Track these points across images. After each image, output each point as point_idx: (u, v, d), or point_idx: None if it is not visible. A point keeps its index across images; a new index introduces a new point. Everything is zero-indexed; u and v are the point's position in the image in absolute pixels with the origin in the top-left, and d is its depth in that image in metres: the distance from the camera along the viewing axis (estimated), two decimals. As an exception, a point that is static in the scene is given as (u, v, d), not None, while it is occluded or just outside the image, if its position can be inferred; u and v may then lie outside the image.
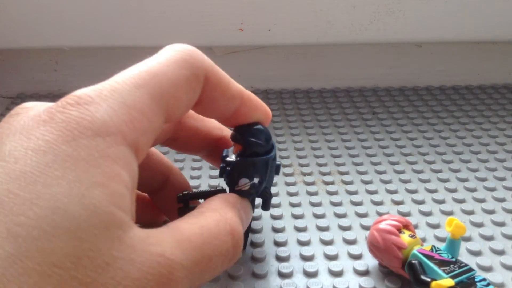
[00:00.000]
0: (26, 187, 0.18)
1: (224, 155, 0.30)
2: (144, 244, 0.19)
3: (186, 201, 0.29)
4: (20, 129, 0.20)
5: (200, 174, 0.40)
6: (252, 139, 0.28)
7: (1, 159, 0.19)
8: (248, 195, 0.29)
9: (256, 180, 0.28)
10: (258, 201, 0.32)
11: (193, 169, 0.41)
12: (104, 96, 0.21)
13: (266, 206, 0.32)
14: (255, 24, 0.51)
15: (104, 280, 0.18)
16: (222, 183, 0.34)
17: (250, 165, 0.28)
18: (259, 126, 0.29)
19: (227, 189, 0.29)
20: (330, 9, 0.51)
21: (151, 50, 0.58)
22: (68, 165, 0.19)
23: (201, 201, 0.29)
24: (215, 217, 0.23)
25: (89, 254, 0.18)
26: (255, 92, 0.55)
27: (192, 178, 0.40)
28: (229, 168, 0.29)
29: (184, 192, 0.29)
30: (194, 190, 0.30)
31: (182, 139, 0.30)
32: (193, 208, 0.29)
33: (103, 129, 0.20)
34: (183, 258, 0.20)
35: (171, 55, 0.24)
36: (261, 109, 0.29)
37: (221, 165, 0.30)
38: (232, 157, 0.29)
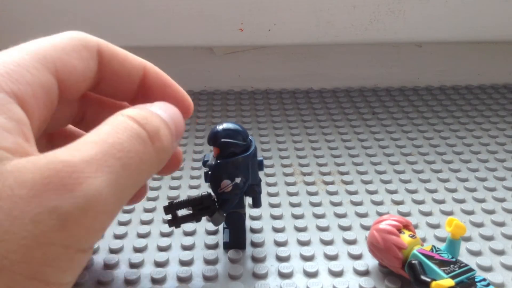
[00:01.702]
0: None
1: (205, 160, 0.30)
2: (33, 163, 0.18)
3: (173, 211, 0.29)
4: None
5: (199, 183, 0.40)
6: (226, 140, 0.29)
7: None
8: (233, 196, 0.29)
9: (238, 180, 0.29)
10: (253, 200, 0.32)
11: (192, 178, 0.41)
12: None
13: (256, 203, 0.32)
14: (255, 24, 0.52)
15: None
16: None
17: (229, 166, 0.29)
18: (235, 126, 0.29)
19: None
20: (330, 9, 0.51)
21: (151, 50, 0.58)
22: None
23: (187, 209, 0.30)
24: (109, 119, 0.21)
25: None
26: (255, 92, 0.55)
27: (192, 187, 0.40)
28: (210, 172, 0.29)
29: (170, 202, 0.29)
30: (179, 199, 0.30)
31: (105, 81, 0.26)
32: (182, 218, 0.29)
33: None
34: (84, 154, 0.18)
35: (60, 33, 0.24)
36: (173, 88, 0.27)
37: (204, 170, 0.30)
38: (213, 161, 0.29)
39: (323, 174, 0.41)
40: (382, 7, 0.51)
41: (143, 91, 0.26)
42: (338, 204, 0.37)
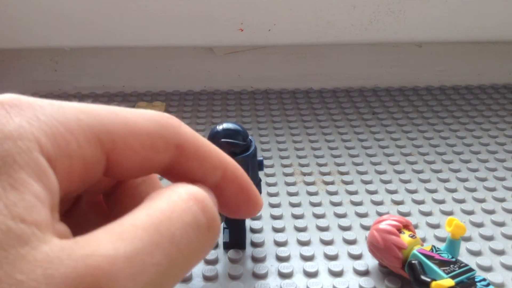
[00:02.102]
0: None
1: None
2: (66, 253, 0.15)
3: None
4: None
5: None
6: (226, 140, 0.29)
7: None
8: None
9: None
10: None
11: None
12: (35, 105, 0.18)
13: None
14: (255, 24, 0.51)
15: None
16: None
17: None
18: (235, 126, 0.29)
19: None
20: (330, 9, 0.51)
21: (152, 50, 0.58)
22: None
23: None
24: (167, 193, 0.18)
25: None
26: (255, 92, 0.55)
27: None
28: None
29: None
30: None
31: (175, 175, 0.21)
32: None
33: (16, 133, 0.16)
34: (128, 248, 0.16)
35: (148, 111, 0.20)
36: (248, 193, 0.24)
37: None
38: None
39: (323, 174, 0.41)
40: (382, 7, 0.51)
41: (215, 190, 0.23)
42: (338, 204, 0.37)
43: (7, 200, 0.15)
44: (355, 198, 0.37)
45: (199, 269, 0.31)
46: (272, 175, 0.40)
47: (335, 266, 0.31)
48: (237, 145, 0.29)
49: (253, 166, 0.30)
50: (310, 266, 0.31)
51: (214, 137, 0.29)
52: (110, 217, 0.21)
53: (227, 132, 0.29)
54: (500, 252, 0.32)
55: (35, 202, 0.16)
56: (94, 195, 0.22)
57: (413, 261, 0.27)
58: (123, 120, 0.18)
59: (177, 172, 0.20)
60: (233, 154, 0.29)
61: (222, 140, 0.29)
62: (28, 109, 0.17)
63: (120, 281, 0.15)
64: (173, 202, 0.17)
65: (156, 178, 0.22)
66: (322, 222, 0.35)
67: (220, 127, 0.29)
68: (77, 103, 0.18)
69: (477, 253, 0.32)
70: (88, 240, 0.15)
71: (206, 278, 0.30)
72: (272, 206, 0.37)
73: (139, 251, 0.16)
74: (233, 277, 0.30)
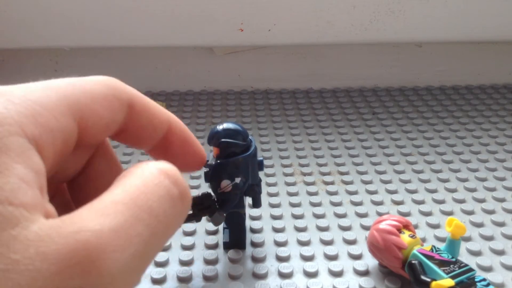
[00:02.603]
0: None
1: (206, 160, 0.30)
2: (56, 231, 0.16)
3: None
4: None
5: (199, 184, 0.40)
6: (226, 140, 0.29)
7: None
8: (233, 196, 0.29)
9: (238, 180, 0.29)
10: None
11: (192, 178, 0.41)
12: (5, 90, 0.19)
13: (256, 203, 0.32)
14: (255, 24, 0.51)
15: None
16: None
17: (229, 166, 0.29)
18: (236, 126, 0.29)
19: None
20: (330, 9, 0.51)
21: (152, 50, 0.58)
22: None
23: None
24: (139, 170, 0.19)
25: None
26: (255, 92, 0.55)
27: (192, 187, 0.40)
28: (210, 172, 0.29)
29: None
30: None
31: (129, 132, 0.25)
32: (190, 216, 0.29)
33: None
34: (112, 222, 0.17)
35: (93, 76, 0.22)
36: (192, 144, 0.26)
37: (204, 170, 0.30)
38: (213, 161, 0.29)
39: (323, 174, 0.41)
40: (382, 7, 0.51)
41: (162, 144, 0.25)
42: (338, 204, 0.37)
43: None
44: (355, 198, 0.37)
45: (199, 269, 0.31)
46: (272, 175, 0.40)
47: (335, 266, 0.31)
48: (237, 145, 0.29)
49: (253, 166, 0.30)
50: (310, 266, 0.31)
51: (214, 137, 0.29)
52: (76, 203, 0.23)
53: (227, 132, 0.29)
54: (500, 252, 0.32)
55: (21, 184, 0.17)
56: (59, 183, 0.24)
57: (413, 261, 0.27)
58: (82, 89, 0.20)
59: (130, 130, 0.23)
60: (233, 154, 0.29)
61: (222, 140, 0.29)
62: (2, 94, 0.18)
63: (108, 252, 0.16)
64: (146, 178, 0.19)
65: (117, 161, 0.25)
66: (322, 222, 0.35)
67: (220, 127, 0.29)
68: (38, 82, 0.20)
69: (477, 253, 0.32)
70: (74, 218, 0.16)
71: (206, 278, 0.30)
72: (272, 206, 0.37)
73: (122, 224, 0.17)
74: (233, 277, 0.30)
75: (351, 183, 0.39)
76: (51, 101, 0.19)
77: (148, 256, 0.18)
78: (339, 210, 0.36)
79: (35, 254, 0.15)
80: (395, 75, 0.57)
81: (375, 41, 0.54)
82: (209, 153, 0.31)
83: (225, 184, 0.29)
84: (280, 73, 0.57)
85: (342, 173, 0.41)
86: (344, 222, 0.35)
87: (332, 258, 0.32)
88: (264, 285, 0.29)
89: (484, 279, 0.27)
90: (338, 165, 0.42)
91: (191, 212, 0.30)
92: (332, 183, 0.39)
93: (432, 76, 0.57)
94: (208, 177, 0.30)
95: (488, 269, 0.31)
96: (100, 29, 0.51)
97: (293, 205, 0.37)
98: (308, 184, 0.39)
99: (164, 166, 0.20)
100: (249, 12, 0.51)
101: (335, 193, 0.38)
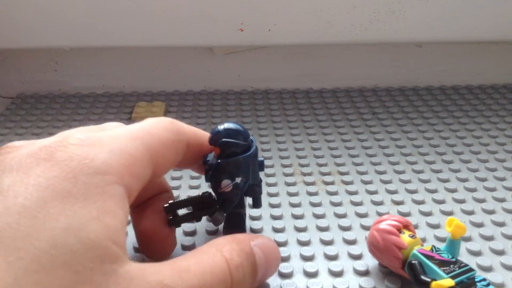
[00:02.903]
0: (26, 222, 0.18)
1: (207, 159, 0.30)
2: (142, 275, 0.20)
3: (173, 210, 0.29)
4: (16, 167, 0.20)
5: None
6: (227, 140, 0.29)
7: (0, 193, 0.19)
8: (234, 196, 0.29)
9: (238, 180, 0.29)
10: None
11: (192, 177, 0.41)
12: (105, 141, 0.22)
13: (256, 203, 0.32)
14: (255, 24, 0.51)
15: None
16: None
17: (229, 165, 0.29)
18: (236, 126, 0.29)
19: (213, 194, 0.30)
20: (330, 9, 0.51)
21: (151, 50, 0.58)
22: (67, 201, 0.19)
23: (187, 209, 0.30)
24: (211, 251, 0.24)
25: (85, 287, 0.18)
26: (255, 92, 0.55)
27: (192, 187, 0.40)
28: (211, 172, 0.29)
29: (170, 202, 0.29)
30: (180, 199, 0.30)
31: (183, 162, 0.30)
32: (183, 218, 0.29)
33: (103, 168, 0.21)
34: (183, 285, 0.21)
35: (157, 120, 0.26)
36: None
37: (206, 169, 0.30)
38: (213, 161, 0.29)
39: (323, 174, 0.41)
40: (382, 7, 0.51)
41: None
42: (338, 204, 0.37)
43: (106, 224, 0.20)
44: (355, 198, 0.37)
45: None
46: (272, 175, 0.40)
47: (335, 266, 0.31)
48: (238, 144, 0.29)
49: (254, 166, 0.30)
50: (310, 266, 0.31)
51: (215, 137, 0.29)
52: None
53: (228, 132, 0.29)
54: (500, 252, 0.32)
55: (121, 227, 0.21)
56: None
57: (413, 261, 0.27)
58: (157, 138, 0.25)
59: (184, 161, 0.28)
60: (234, 154, 0.29)
61: (223, 140, 0.29)
62: (103, 145, 0.22)
63: None
64: (213, 260, 0.23)
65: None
66: (322, 222, 0.35)
67: (221, 127, 0.29)
68: (121, 128, 0.24)
69: (477, 253, 0.32)
70: (156, 268, 0.21)
71: (206, 278, 0.30)
72: (272, 206, 0.37)
73: None
74: (233, 277, 0.30)
75: (351, 183, 0.39)
76: (139, 152, 0.23)
77: None
78: (339, 210, 0.36)
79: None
80: (395, 75, 0.57)
81: (375, 41, 0.54)
82: (210, 152, 0.31)
83: (226, 184, 0.29)
84: (280, 73, 0.57)
85: (342, 173, 0.41)
86: (344, 222, 0.35)
87: (332, 258, 0.32)
88: (264, 285, 0.29)
89: (484, 279, 0.27)
90: (338, 165, 0.42)
91: (191, 211, 0.30)
92: (332, 183, 0.39)
93: (432, 76, 0.57)
94: (208, 177, 0.30)
95: (488, 269, 0.31)
96: (100, 29, 0.51)
97: (293, 205, 0.37)
98: (308, 184, 0.39)
99: (228, 254, 0.24)
100: (249, 12, 0.51)
101: (335, 193, 0.38)
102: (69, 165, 0.20)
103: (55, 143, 0.21)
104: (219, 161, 0.29)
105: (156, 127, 0.26)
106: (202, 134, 0.30)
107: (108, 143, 0.22)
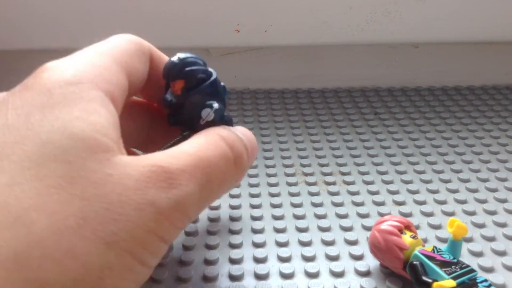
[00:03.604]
0: (10, 133, 0.19)
1: (168, 99, 0.27)
2: (136, 161, 0.20)
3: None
4: (1, 100, 0.22)
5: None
6: (192, 68, 0.26)
7: None
8: (219, 121, 0.27)
9: (216, 105, 0.26)
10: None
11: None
12: (72, 59, 0.23)
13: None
14: (251, 25, 0.52)
15: (104, 193, 0.19)
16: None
17: (204, 93, 0.26)
18: (190, 53, 0.27)
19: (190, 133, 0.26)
20: (327, 10, 0.51)
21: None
22: (46, 110, 0.20)
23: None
24: (203, 134, 0.24)
25: (81, 174, 0.19)
26: (256, 92, 0.55)
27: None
28: (183, 108, 0.26)
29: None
30: (163, 147, 0.26)
31: (151, 81, 0.28)
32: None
33: (75, 79, 0.22)
34: (179, 163, 0.21)
35: (118, 36, 0.27)
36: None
37: (168, 112, 0.27)
38: (174, 98, 0.27)
39: (325, 174, 0.41)
40: (379, 8, 0.51)
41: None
42: (340, 204, 0.37)
43: (91, 121, 0.20)
44: (357, 198, 0.37)
45: (199, 269, 0.30)
46: (274, 175, 0.40)
47: (337, 266, 0.31)
48: (205, 70, 0.27)
49: (221, 90, 0.28)
50: (311, 267, 0.30)
51: (174, 69, 0.26)
52: None
53: (187, 61, 0.27)
54: (502, 253, 0.32)
55: (108, 125, 0.21)
56: (132, 144, 0.30)
57: (414, 262, 0.27)
58: (123, 50, 0.25)
59: (152, 79, 0.27)
60: (202, 81, 0.27)
61: (188, 69, 0.26)
62: (70, 62, 0.23)
63: (178, 179, 0.21)
64: (209, 139, 0.24)
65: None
66: (323, 223, 0.34)
67: (175, 58, 0.27)
68: (86, 49, 0.24)
69: (478, 254, 0.32)
70: (150, 157, 0.21)
71: (206, 279, 0.30)
72: (274, 206, 0.37)
73: (186, 167, 0.21)
74: (234, 278, 0.30)
75: (352, 183, 0.39)
76: (109, 64, 0.24)
77: (203, 200, 0.22)
78: (341, 210, 0.36)
79: (122, 173, 0.19)
80: (396, 75, 0.57)
81: (372, 41, 0.54)
82: (165, 95, 0.28)
83: (206, 113, 0.26)
84: (277, 74, 0.57)
85: (343, 174, 0.41)
86: (346, 222, 0.35)
87: (334, 258, 0.32)
88: (265, 285, 0.29)
89: (485, 280, 0.27)
90: (340, 165, 0.42)
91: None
92: (333, 183, 0.39)
93: (434, 76, 0.57)
94: (176, 117, 0.27)
95: (489, 270, 0.31)
96: (95, 30, 0.51)
97: (294, 205, 0.37)
98: (309, 184, 0.39)
99: (224, 133, 0.24)
100: (245, 13, 0.51)
101: (336, 194, 0.38)
102: (40, 83, 0.21)
103: (34, 72, 0.23)
104: (191, 92, 0.26)
105: (119, 40, 0.26)
106: (162, 54, 0.29)
107: (74, 60, 0.23)
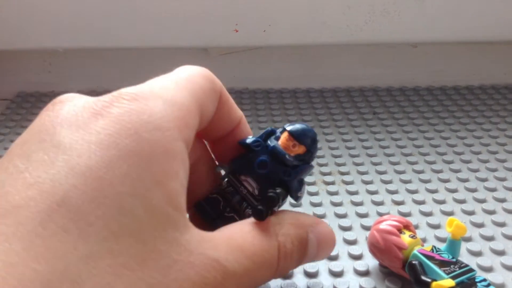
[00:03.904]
0: (92, 184, 0.18)
1: (270, 146, 0.26)
2: (201, 248, 0.20)
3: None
4: (74, 121, 0.20)
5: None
6: (315, 146, 0.27)
7: (62, 152, 0.19)
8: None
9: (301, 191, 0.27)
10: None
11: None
12: (157, 93, 0.21)
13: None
14: (250, 25, 0.51)
15: (167, 282, 0.18)
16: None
17: (305, 172, 0.27)
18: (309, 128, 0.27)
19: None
20: (325, 9, 0.51)
21: (146, 51, 0.58)
22: (131, 162, 0.19)
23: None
24: (269, 230, 0.24)
25: (152, 256, 0.18)
26: (255, 91, 0.55)
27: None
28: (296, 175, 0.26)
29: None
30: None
31: (212, 122, 0.27)
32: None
33: (163, 124, 0.20)
34: (236, 266, 0.21)
35: (194, 69, 0.25)
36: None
37: (235, 155, 0.27)
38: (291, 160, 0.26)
39: (324, 174, 0.41)
40: (377, 8, 0.51)
41: (227, 139, 0.28)
42: (339, 204, 0.37)
43: (169, 189, 0.19)
44: (356, 198, 0.37)
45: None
46: (272, 175, 0.40)
47: (336, 266, 0.30)
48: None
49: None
50: (310, 267, 0.30)
51: (308, 135, 0.26)
52: None
53: (315, 135, 0.27)
54: (501, 253, 0.32)
55: (183, 191, 0.20)
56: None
57: (413, 262, 0.27)
58: (199, 87, 0.24)
59: (213, 120, 0.26)
60: (309, 160, 0.27)
61: (315, 145, 0.26)
62: (157, 97, 0.21)
63: (226, 284, 0.20)
64: (268, 243, 0.23)
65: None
66: (322, 222, 0.34)
67: (306, 126, 0.27)
68: (165, 78, 0.23)
69: (477, 254, 0.32)
70: (215, 244, 0.21)
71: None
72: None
73: (241, 272, 0.21)
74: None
75: (351, 183, 0.39)
76: (190, 103, 0.22)
77: None
78: (340, 210, 0.36)
79: (187, 262, 0.19)
80: (395, 75, 0.57)
81: (371, 41, 0.54)
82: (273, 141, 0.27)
83: (302, 189, 0.27)
84: (276, 74, 0.57)
85: (342, 173, 0.41)
86: (345, 222, 0.35)
87: (333, 258, 0.32)
88: (264, 285, 0.29)
89: (484, 280, 0.27)
90: (339, 165, 0.42)
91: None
92: (332, 183, 0.39)
93: (433, 76, 0.57)
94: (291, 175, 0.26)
95: (488, 269, 0.31)
96: (93, 30, 0.51)
97: (293, 205, 0.37)
98: (308, 184, 0.39)
99: (284, 242, 0.24)
100: (244, 13, 0.51)
101: (335, 193, 0.38)
102: (128, 120, 0.20)
103: (110, 98, 0.21)
104: (307, 166, 0.26)
105: (196, 75, 0.24)
106: (229, 95, 0.27)
107: (159, 95, 0.21)
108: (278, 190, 0.25)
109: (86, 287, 0.17)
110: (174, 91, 0.22)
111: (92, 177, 0.18)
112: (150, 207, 0.19)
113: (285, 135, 0.26)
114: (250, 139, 0.27)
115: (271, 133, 0.27)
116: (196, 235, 0.20)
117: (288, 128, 0.26)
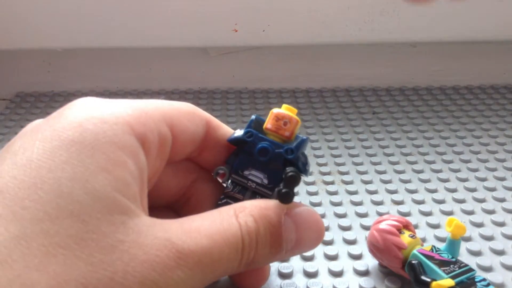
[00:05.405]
0: (31, 173, 0.18)
1: (254, 133, 0.26)
2: (151, 230, 0.20)
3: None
4: (30, 129, 0.21)
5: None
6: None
7: (12, 153, 0.20)
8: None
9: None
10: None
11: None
12: (112, 101, 0.22)
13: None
14: (249, 25, 0.51)
15: (111, 261, 0.18)
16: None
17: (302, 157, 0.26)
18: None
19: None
20: (324, 9, 0.51)
21: (146, 51, 0.58)
22: (73, 149, 0.19)
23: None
24: (228, 213, 0.23)
25: (92, 236, 0.18)
26: (255, 91, 0.55)
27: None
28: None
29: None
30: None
31: (208, 149, 0.28)
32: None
33: (111, 118, 0.21)
34: (191, 245, 0.20)
35: (176, 102, 0.26)
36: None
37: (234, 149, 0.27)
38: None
39: (323, 174, 0.41)
40: (377, 7, 0.51)
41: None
42: (338, 204, 0.37)
43: (115, 176, 0.20)
44: (355, 198, 0.37)
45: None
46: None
47: (335, 266, 0.30)
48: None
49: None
50: (310, 266, 0.30)
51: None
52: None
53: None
54: (500, 252, 0.32)
55: (131, 180, 0.20)
56: (172, 198, 0.28)
57: (413, 261, 0.27)
58: (170, 104, 0.25)
59: (209, 147, 0.27)
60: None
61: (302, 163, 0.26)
62: (109, 102, 0.22)
63: (182, 262, 0.20)
64: (226, 224, 0.22)
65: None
66: (322, 222, 0.34)
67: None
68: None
69: (477, 253, 0.32)
70: (166, 226, 0.20)
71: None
72: (272, 206, 0.36)
73: (199, 251, 0.20)
74: (232, 278, 0.30)
75: (351, 183, 0.39)
76: (150, 110, 0.23)
77: (199, 283, 0.21)
78: (339, 210, 0.36)
79: (134, 241, 0.19)
80: (394, 75, 0.57)
81: (370, 41, 0.54)
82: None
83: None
84: (275, 74, 0.57)
85: (342, 173, 0.41)
86: (344, 222, 0.35)
87: (332, 258, 0.32)
88: (264, 285, 0.29)
89: (484, 279, 0.27)
90: (338, 165, 0.42)
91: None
92: (332, 183, 0.39)
93: (432, 76, 0.57)
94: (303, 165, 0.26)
95: (488, 269, 0.30)
96: (93, 30, 0.51)
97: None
98: (308, 184, 0.39)
99: (245, 218, 0.23)
100: (243, 13, 0.51)
101: (335, 193, 0.38)
102: (75, 115, 0.20)
103: (65, 106, 0.22)
104: (307, 137, 0.27)
105: (171, 102, 0.25)
106: (221, 124, 0.27)
107: (114, 101, 0.22)
108: (293, 168, 0.24)
109: (17, 267, 0.17)
110: (136, 101, 0.23)
111: (32, 167, 0.19)
112: (93, 190, 0.19)
113: (273, 117, 0.26)
114: (239, 133, 0.26)
115: (256, 121, 0.27)
116: (148, 220, 0.20)
117: (274, 110, 0.26)
